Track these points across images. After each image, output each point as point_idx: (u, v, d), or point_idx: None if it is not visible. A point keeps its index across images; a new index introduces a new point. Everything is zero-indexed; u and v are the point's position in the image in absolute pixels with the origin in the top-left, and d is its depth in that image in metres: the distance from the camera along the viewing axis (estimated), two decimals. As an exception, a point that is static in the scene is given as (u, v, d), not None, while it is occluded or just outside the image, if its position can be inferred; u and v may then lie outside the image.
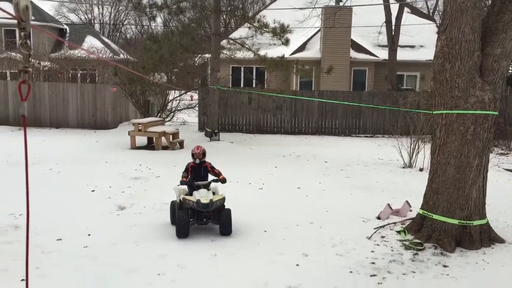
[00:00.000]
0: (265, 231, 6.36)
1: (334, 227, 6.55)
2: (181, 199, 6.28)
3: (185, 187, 6.48)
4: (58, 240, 5.86)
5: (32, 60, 21.16)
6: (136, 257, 5.40)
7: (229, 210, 6.16)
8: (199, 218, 6.14)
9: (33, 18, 28.32)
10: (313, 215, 7.14)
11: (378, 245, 5.88)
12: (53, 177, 9.47)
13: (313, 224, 6.72)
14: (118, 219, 6.88)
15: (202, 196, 6.07)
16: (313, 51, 23.30)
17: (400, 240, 6.00)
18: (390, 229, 6.46)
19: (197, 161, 6.52)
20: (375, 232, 6.28)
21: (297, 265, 5.23)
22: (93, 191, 8.44)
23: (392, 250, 5.70)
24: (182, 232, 5.97)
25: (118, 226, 6.51)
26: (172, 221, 6.47)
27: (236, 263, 5.27)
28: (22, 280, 4.71)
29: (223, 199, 6.21)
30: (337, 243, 5.91)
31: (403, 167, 11.53)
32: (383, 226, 6.51)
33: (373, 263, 5.31)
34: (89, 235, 6.05)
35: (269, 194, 8.54)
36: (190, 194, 6.26)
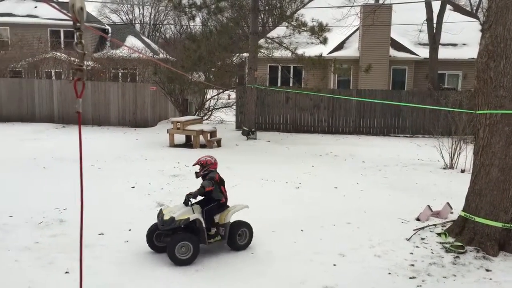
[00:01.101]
0: (302, 230, 6.35)
1: (371, 227, 6.48)
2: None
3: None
4: (100, 234, 6.04)
5: (77, 60, 21.85)
6: (174, 253, 5.49)
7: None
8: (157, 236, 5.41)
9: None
10: (350, 215, 7.07)
11: (417, 247, 5.77)
12: (94, 174, 9.75)
13: (350, 224, 6.66)
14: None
15: (170, 210, 5.41)
16: (351, 50, 23.04)
17: (440, 243, 5.87)
18: (430, 231, 6.32)
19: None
20: (414, 233, 6.17)
21: (334, 265, 5.20)
22: (133, 187, 8.64)
23: (432, 253, 5.58)
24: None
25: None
26: None
27: (273, 261, 5.29)
28: (67, 272, 4.89)
29: (187, 219, 5.19)
30: (375, 244, 5.84)
31: (444, 168, 11.25)
32: (422, 228, 6.39)
33: (412, 265, 5.22)
34: (129, 230, 6.21)
35: (306, 193, 8.51)
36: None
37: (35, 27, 27.62)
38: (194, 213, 5.30)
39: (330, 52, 21.93)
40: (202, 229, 5.31)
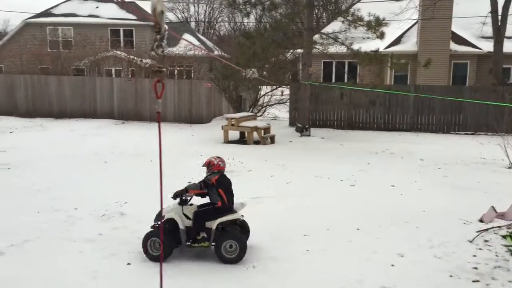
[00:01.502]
0: (358, 229, 6.24)
1: (431, 228, 6.26)
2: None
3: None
4: (159, 228, 6.20)
5: (135, 58, 22.59)
6: (230, 248, 5.56)
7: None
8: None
9: (134, 18, 30.14)
10: (408, 214, 6.87)
11: (480, 249, 5.52)
12: (154, 169, 10.01)
13: (408, 223, 6.47)
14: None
15: (167, 207, 5.38)
16: (409, 44, 22.34)
17: (505, 246, 5.59)
18: (495, 233, 6.03)
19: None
20: (477, 235, 5.91)
21: (392, 265, 5.08)
22: (189, 182, 8.80)
23: (496, 256, 5.33)
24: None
25: (213, 217, 6.74)
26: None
27: (330, 260, 5.24)
28: (129, 264, 5.06)
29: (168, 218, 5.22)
30: (435, 245, 5.64)
31: (509, 168, 10.69)
32: (486, 230, 6.10)
33: (476, 268, 5.00)
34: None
35: (362, 192, 8.35)
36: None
37: (97, 27, 28.72)
38: (183, 213, 5.22)
39: (387, 47, 21.35)
40: (180, 230, 5.17)
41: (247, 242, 5.29)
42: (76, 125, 16.98)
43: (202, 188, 5.28)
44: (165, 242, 5.02)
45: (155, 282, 4.62)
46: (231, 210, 5.31)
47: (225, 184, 5.33)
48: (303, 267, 5.04)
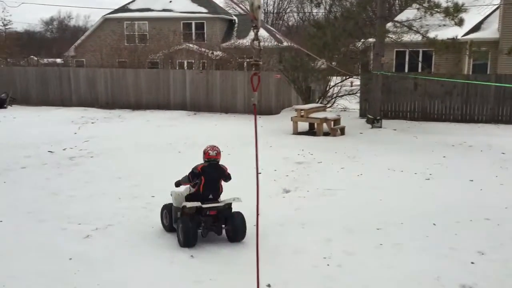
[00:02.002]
0: (434, 224, 6.03)
1: (515, 226, 5.93)
2: None
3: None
4: (231, 217, 6.35)
5: (206, 50, 23.10)
6: (302, 239, 5.59)
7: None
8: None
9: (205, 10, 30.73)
10: (488, 210, 6.54)
11: None
12: (224, 159, 10.24)
13: (489, 220, 6.17)
14: (284, 202, 7.20)
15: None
16: (490, 31, 21.07)
17: None
18: None
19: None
20: None
21: (472, 263, 4.87)
22: (259, 173, 8.90)
23: None
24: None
25: (284, 208, 6.81)
26: None
27: (404, 255, 5.12)
28: (191, 256, 5.17)
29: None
30: (519, 244, 5.34)
31: None
32: None
33: None
34: (258, 214, 6.42)
35: (437, 186, 8.05)
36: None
37: (170, 21, 29.67)
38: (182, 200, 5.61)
39: (465, 34, 20.27)
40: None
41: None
42: (151, 116, 17.70)
43: (190, 180, 5.50)
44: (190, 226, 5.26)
45: (211, 275, 4.76)
46: (208, 200, 5.44)
47: (208, 174, 5.45)
48: (376, 261, 4.97)
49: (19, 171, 9.02)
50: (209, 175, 5.46)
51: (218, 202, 5.51)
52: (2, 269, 4.74)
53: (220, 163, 5.64)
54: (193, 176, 5.46)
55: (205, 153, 5.58)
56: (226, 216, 5.48)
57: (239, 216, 5.46)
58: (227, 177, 5.66)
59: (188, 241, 5.23)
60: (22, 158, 10.04)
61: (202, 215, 5.37)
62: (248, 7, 2.23)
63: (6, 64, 26.87)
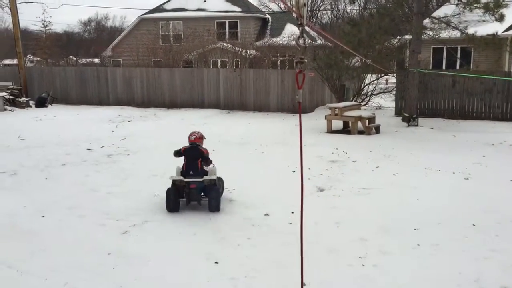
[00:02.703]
0: (474, 225, 5.88)
1: (559, 228, 5.71)
2: None
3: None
4: (265, 215, 6.39)
5: (239, 49, 23.19)
6: (336, 238, 5.56)
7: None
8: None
9: (237, 9, 30.85)
10: (532, 212, 6.33)
11: None
12: (259, 157, 10.29)
13: (532, 222, 5.97)
14: (318, 200, 7.15)
15: None
16: (533, 26, 20.32)
17: None
18: None
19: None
20: None
21: (514, 265, 4.73)
22: (293, 172, 8.89)
23: None
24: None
25: (318, 206, 6.77)
26: None
27: (442, 256, 5.01)
28: (238, 244, 5.26)
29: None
30: None
31: None
32: None
33: None
34: (292, 213, 6.41)
35: (477, 185, 7.83)
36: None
37: (204, 20, 29.96)
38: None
39: (506, 30, 19.60)
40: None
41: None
42: (185, 115, 17.92)
43: (175, 155, 6.83)
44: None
45: (240, 272, 4.78)
46: (189, 175, 6.52)
47: (188, 154, 6.68)
48: (413, 262, 4.88)
49: (60, 168, 9.31)
50: (189, 155, 6.67)
51: (200, 178, 6.49)
52: (44, 263, 4.92)
53: (203, 146, 6.87)
54: (177, 153, 6.79)
55: (188, 138, 6.77)
56: (206, 190, 6.52)
57: (214, 190, 6.46)
58: (205, 159, 6.67)
59: (168, 206, 6.43)
60: (62, 155, 10.37)
61: (187, 187, 6.46)
62: (293, 3, 2.25)
63: (47, 64, 27.75)
